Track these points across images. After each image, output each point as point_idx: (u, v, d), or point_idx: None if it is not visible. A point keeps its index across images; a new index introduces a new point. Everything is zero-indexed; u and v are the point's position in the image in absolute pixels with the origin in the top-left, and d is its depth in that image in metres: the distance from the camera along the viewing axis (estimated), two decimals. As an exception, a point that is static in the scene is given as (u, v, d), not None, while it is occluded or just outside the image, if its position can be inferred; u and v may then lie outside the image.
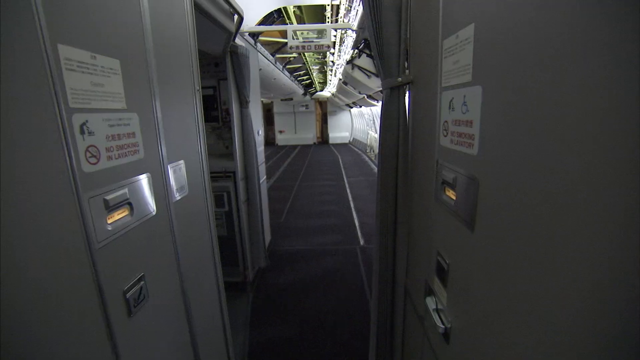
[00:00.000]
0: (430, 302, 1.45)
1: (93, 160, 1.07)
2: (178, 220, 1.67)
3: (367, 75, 7.39)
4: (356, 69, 7.38)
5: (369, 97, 11.40)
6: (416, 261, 1.87)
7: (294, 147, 24.03)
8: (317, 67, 12.18)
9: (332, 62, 10.05)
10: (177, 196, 1.69)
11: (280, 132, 25.94)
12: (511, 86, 0.82)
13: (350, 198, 9.01)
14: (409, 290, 2.03)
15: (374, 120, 16.16)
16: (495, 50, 0.90)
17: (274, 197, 9.39)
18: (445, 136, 1.33)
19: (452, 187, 1.26)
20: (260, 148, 5.22)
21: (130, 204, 1.27)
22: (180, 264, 1.67)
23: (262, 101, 25.15)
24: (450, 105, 1.27)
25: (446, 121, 1.31)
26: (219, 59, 4.24)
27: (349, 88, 11.24)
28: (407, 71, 1.89)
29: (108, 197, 1.14)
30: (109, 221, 1.15)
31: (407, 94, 1.94)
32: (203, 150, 2.04)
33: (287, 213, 7.88)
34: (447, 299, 1.32)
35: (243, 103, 4.04)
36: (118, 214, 1.20)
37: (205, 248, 2.10)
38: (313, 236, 6.38)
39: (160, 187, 1.49)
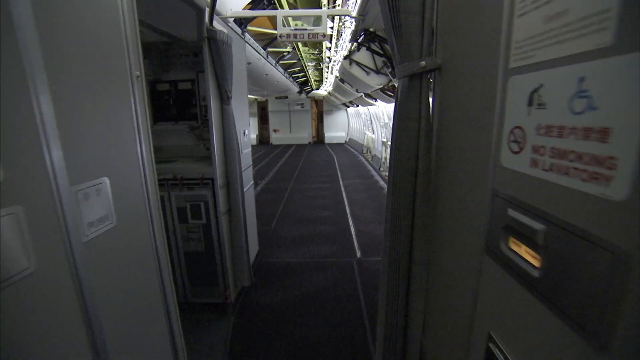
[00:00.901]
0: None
1: None
2: (94, 270, 1.11)
3: (365, 71, 6.85)
4: (354, 65, 6.85)
5: (367, 95, 10.86)
6: (441, 323, 1.34)
7: (289, 146, 23.45)
8: (313, 64, 11.63)
9: (329, 57, 9.50)
10: (92, 232, 1.13)
11: (275, 131, 25.33)
12: None
13: (346, 203, 8.47)
14: (428, 352, 1.49)
15: (371, 120, 15.65)
16: None
17: (265, 200, 8.83)
18: (516, 152, 0.78)
19: (534, 245, 0.71)
20: (247, 150, 4.67)
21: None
22: (96, 340, 1.10)
23: (256, 99, 24.66)
24: (532, 98, 0.72)
25: (519, 127, 0.76)
26: (199, 49, 3.67)
27: (346, 86, 10.69)
28: (433, 54, 1.34)
29: None
30: None
31: (431, 85, 1.40)
32: (146, 159, 1.47)
33: (279, 219, 7.33)
34: None
35: (224, 99, 3.48)
36: None
37: (151, 301, 1.54)
38: (305, 246, 5.83)
39: (46, 225, 0.93)
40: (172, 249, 3.73)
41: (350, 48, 6.82)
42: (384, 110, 11.41)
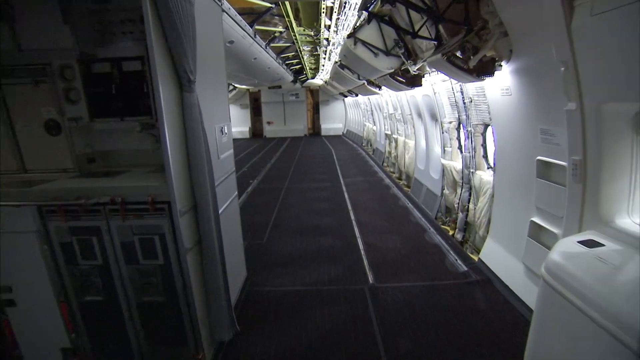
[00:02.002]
0: None
1: None
2: None
3: (373, 52, 5.71)
4: (359, 46, 5.69)
5: (370, 83, 9.71)
6: None
7: (284, 139, 22.23)
8: (309, 49, 10.43)
9: (327, 40, 8.31)
10: None
11: (269, 123, 24.02)
12: None
13: (349, 206, 7.40)
14: None
15: (372, 110, 14.50)
16: None
17: (256, 206, 7.72)
18: None
19: None
20: (226, 154, 3.55)
21: None
22: None
23: (248, 90, 23.30)
24: None
25: None
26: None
27: (346, 73, 9.52)
28: None
29: None
30: None
31: None
32: None
33: (272, 229, 6.24)
34: None
35: (183, 83, 2.36)
36: None
37: None
38: (304, 267, 4.77)
39: None
40: (118, 299, 2.64)
41: (357, 23, 5.65)
42: (389, 99, 10.27)
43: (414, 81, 6.23)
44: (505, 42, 3.18)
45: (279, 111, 23.79)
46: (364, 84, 9.77)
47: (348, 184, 9.38)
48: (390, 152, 11.16)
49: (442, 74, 4.64)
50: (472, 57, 3.47)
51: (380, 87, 9.94)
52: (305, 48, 10.27)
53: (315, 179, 10.17)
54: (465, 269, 4.56)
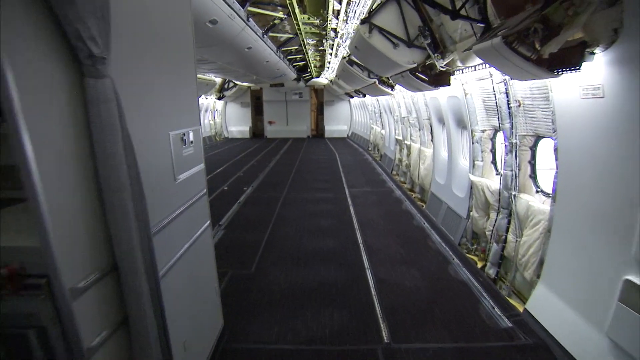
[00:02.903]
0: None
1: None
2: None
3: (392, 43, 4.65)
4: (375, 34, 4.64)
5: (382, 82, 8.66)
6: None
7: (285, 140, 21.17)
8: (314, 42, 9.37)
9: (334, 31, 7.26)
10: None
11: (270, 123, 22.96)
12: None
13: (356, 225, 6.34)
14: None
15: (380, 112, 13.43)
16: None
17: (248, 220, 6.66)
18: None
19: None
20: (191, 172, 2.52)
21: None
22: None
23: (250, 87, 22.25)
24: None
25: None
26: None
27: (355, 70, 8.48)
28: None
29: None
30: None
31: None
32: None
33: (263, 253, 5.18)
34: None
35: (83, 62, 1.30)
36: None
37: None
38: (300, 313, 3.72)
39: None
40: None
41: (372, 6, 4.61)
42: (402, 101, 9.19)
43: (439, 79, 5.17)
44: (606, 17, 2.11)
45: (281, 111, 22.73)
46: (374, 82, 8.71)
47: (354, 196, 8.31)
48: (401, 160, 10.09)
49: (490, 69, 3.57)
50: (539, 42, 2.41)
51: (392, 87, 8.88)
52: (310, 41, 9.22)
53: (317, 188, 9.10)
54: (509, 324, 3.49)
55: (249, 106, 22.97)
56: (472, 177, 5.06)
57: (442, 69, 4.74)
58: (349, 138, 22.14)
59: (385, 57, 4.77)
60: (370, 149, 16.29)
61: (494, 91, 4.00)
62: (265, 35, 6.08)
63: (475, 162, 5.08)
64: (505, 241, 4.24)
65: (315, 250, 5.27)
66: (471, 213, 5.26)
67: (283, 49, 9.11)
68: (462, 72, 4.58)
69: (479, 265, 4.93)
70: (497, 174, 4.80)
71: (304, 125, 23.00)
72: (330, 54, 10.79)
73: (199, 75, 12.61)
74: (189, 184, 2.47)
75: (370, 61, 5.71)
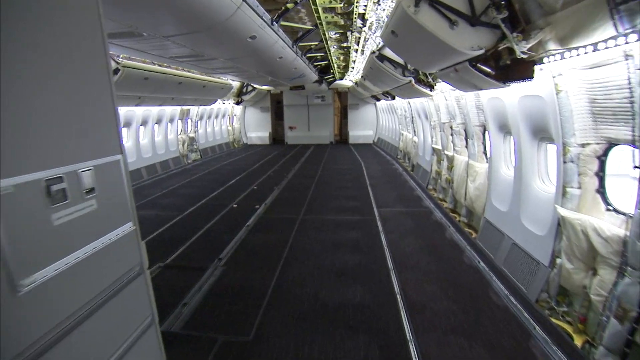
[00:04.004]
0: None
1: None
2: None
3: (448, 20, 3.23)
4: (424, 8, 3.24)
5: (419, 81, 7.17)
6: None
7: (307, 147, 19.91)
8: (337, 36, 8.02)
9: (362, 18, 5.85)
10: None
11: (291, 128, 21.80)
12: None
13: (390, 263, 4.91)
14: None
15: (412, 117, 11.87)
16: None
17: (254, 253, 5.31)
18: None
19: None
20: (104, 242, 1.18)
21: None
22: None
23: (269, 91, 21.20)
24: None
25: None
26: None
27: (386, 67, 7.05)
28: None
29: None
30: None
31: None
32: None
33: (268, 307, 3.87)
34: None
35: None
36: None
37: None
38: None
39: None
40: None
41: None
42: (442, 103, 7.63)
43: (511, 72, 3.67)
44: None
45: (303, 115, 21.52)
46: (410, 82, 7.25)
47: (385, 218, 6.85)
48: (439, 173, 8.52)
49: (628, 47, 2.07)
50: None
51: (432, 87, 7.37)
52: (333, 35, 7.89)
53: (340, 207, 7.70)
54: None
55: (269, 111, 21.95)
56: (563, 211, 3.51)
57: (522, 55, 3.25)
58: (375, 144, 20.58)
59: (438, 40, 3.35)
60: (399, 157, 14.71)
61: (630, 83, 2.48)
62: (275, 23, 4.84)
63: (568, 189, 3.53)
64: (638, 321, 2.68)
65: (337, 305, 3.90)
66: (559, 261, 3.70)
67: (300, 44, 7.84)
68: (557, 59, 3.06)
69: (577, 341, 3.37)
70: (608, 210, 3.24)
71: (327, 130, 21.67)
72: (356, 51, 9.42)
73: (211, 78, 11.56)
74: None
75: (412, 50, 4.30)
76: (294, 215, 7.20)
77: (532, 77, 3.42)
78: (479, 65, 3.75)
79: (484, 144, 6.11)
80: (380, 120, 20.51)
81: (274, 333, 3.45)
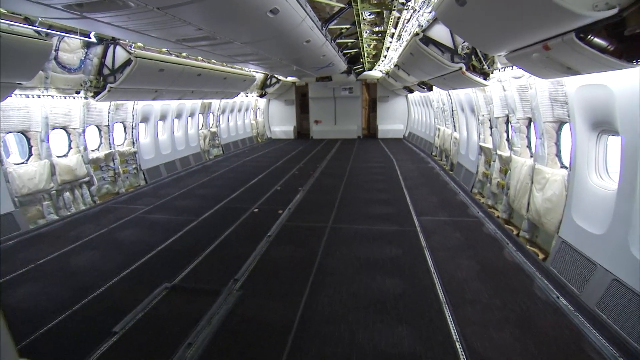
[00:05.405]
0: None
1: None
2: None
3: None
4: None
5: (473, 69, 6.03)
6: None
7: (333, 142, 18.92)
8: (371, 18, 6.98)
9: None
10: None
11: (316, 122, 20.85)
12: None
13: (442, 295, 3.95)
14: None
15: (453, 111, 10.61)
16: None
17: (274, 274, 4.42)
18: None
19: None
20: None
21: None
22: None
23: (294, 83, 20.28)
24: None
25: None
26: None
27: (432, 52, 5.96)
28: None
29: None
30: None
31: None
32: None
33: (290, 357, 3.04)
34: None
35: None
36: None
37: None
38: None
39: None
40: None
41: None
42: (495, 94, 6.41)
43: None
44: None
45: (329, 108, 20.51)
46: (460, 69, 6.11)
47: (428, 230, 5.83)
48: (489, 177, 7.34)
49: None
50: None
51: (487, 76, 6.20)
52: (367, 16, 6.86)
53: (373, 215, 6.74)
54: None
55: (294, 104, 21.09)
56: None
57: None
58: (405, 139, 19.28)
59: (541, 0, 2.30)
60: (434, 154, 13.46)
61: None
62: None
63: None
64: None
65: (379, 354, 3.00)
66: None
67: (330, 27, 6.86)
68: None
69: None
70: None
71: (354, 124, 20.57)
72: (392, 36, 8.31)
73: (233, 69, 10.78)
74: None
75: (486, 20, 3.23)
76: (321, 223, 6.32)
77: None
78: (590, 37, 2.66)
79: (557, 144, 4.94)
80: (412, 114, 19.16)
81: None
